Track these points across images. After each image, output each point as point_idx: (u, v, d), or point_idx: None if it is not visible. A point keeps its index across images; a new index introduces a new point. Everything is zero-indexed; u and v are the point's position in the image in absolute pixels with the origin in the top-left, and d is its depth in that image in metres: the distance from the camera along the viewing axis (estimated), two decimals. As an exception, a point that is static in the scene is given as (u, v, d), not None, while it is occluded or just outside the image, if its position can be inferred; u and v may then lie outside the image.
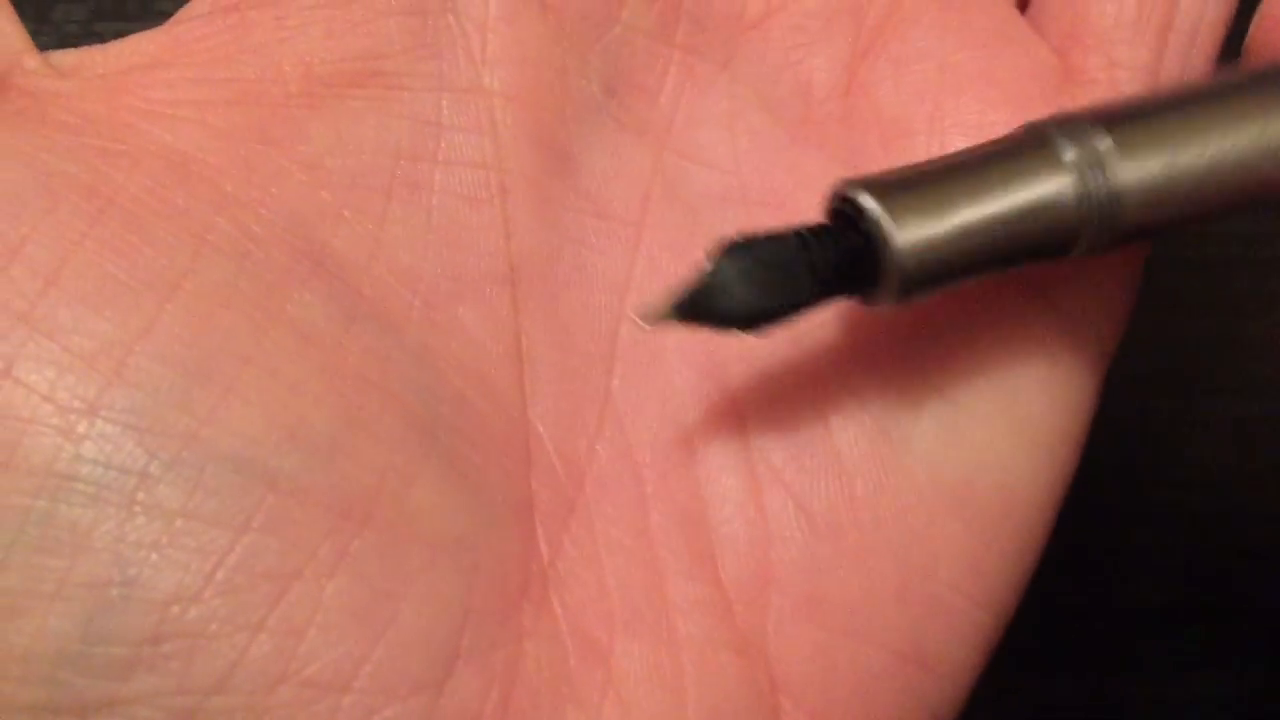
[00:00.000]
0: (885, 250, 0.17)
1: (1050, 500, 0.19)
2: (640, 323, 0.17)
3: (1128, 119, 0.17)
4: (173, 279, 0.15)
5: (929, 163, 0.18)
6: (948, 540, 0.18)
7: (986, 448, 0.19)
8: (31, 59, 0.17)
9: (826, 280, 0.17)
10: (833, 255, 0.17)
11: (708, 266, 0.17)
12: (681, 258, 0.19)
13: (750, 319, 0.17)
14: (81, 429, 0.14)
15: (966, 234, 0.17)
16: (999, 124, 0.19)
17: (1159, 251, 0.21)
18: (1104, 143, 0.17)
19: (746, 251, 0.17)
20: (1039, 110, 0.19)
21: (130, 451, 0.14)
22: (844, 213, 0.17)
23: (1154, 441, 0.30)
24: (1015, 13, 0.20)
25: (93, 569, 0.14)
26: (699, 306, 0.17)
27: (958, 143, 0.19)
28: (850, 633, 0.18)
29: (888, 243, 0.17)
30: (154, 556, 0.14)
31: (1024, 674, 0.28)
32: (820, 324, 0.19)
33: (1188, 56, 0.19)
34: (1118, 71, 0.19)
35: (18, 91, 0.16)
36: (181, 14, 0.18)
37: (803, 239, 0.17)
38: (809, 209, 0.19)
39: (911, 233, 0.17)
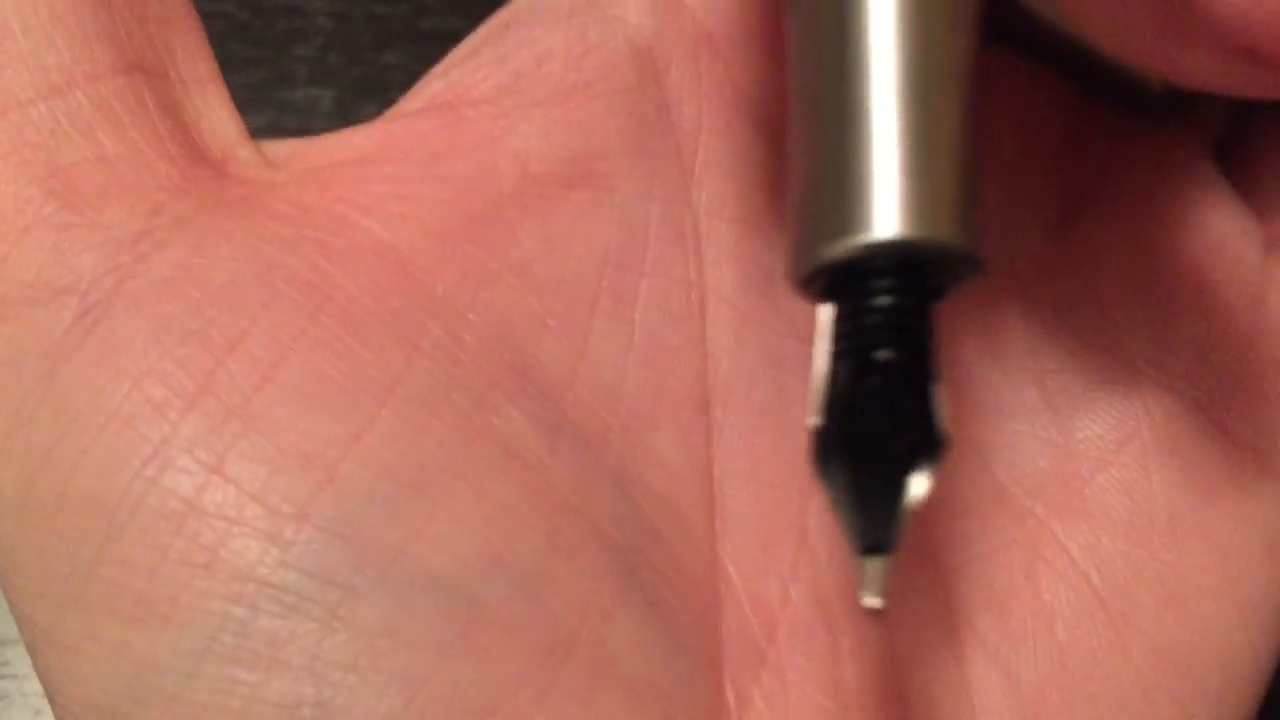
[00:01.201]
0: (939, 253, 0.14)
1: (1263, 676, 0.18)
2: (877, 605, 0.14)
3: None
4: (387, 384, 0.15)
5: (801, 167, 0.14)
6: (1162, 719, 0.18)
7: (1207, 621, 0.18)
8: (245, 149, 0.17)
9: (921, 349, 0.14)
10: (901, 327, 0.14)
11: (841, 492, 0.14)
12: None
13: (922, 450, 0.14)
14: (289, 534, 0.14)
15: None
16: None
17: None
18: None
19: (846, 445, 0.14)
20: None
21: (337, 562, 0.14)
22: (847, 280, 0.14)
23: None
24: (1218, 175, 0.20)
25: (286, 686, 0.14)
26: (889, 521, 0.14)
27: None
28: None
29: (941, 247, 0.13)
30: (351, 678, 0.14)
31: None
32: (1034, 485, 0.19)
33: None
34: None
35: (234, 180, 0.16)
36: (395, 109, 0.18)
37: (854, 364, 0.14)
38: None
39: (921, 219, 0.13)
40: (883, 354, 0.14)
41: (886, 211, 0.13)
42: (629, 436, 0.17)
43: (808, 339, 0.18)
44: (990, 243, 0.14)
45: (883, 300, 0.14)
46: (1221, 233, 0.19)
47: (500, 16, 0.19)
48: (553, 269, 0.17)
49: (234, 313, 0.15)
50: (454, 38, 0.35)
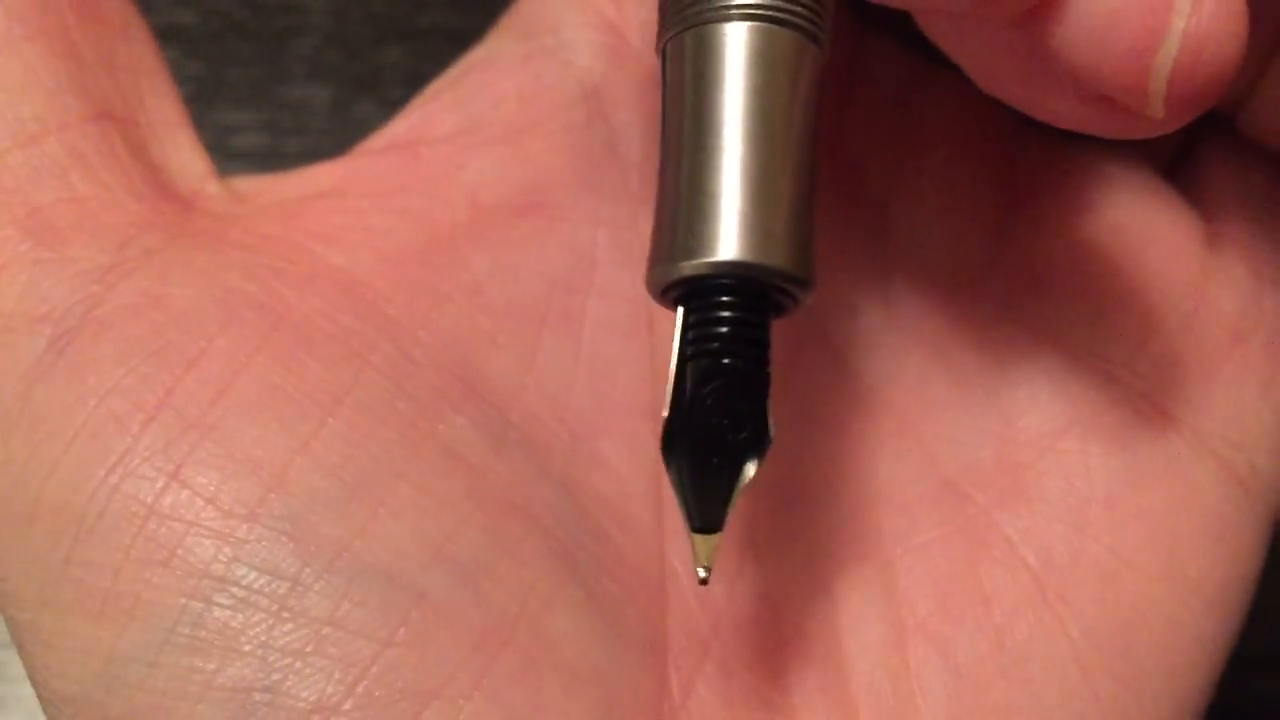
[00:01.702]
0: (759, 273, 0.16)
1: (1212, 659, 0.19)
2: (704, 576, 0.16)
3: None
4: (336, 395, 0.17)
5: (666, 200, 0.17)
6: (1102, 699, 0.18)
7: (1147, 601, 0.19)
8: (213, 185, 0.19)
9: (758, 358, 0.16)
10: (735, 335, 0.16)
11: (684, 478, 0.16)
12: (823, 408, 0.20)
13: (753, 444, 0.16)
14: (240, 533, 0.16)
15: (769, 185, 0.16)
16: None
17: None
18: None
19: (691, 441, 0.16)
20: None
21: (285, 558, 0.16)
22: (691, 293, 0.16)
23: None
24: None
25: (239, 672, 0.15)
26: (721, 504, 0.16)
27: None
28: None
29: (760, 265, 0.16)
30: (298, 664, 0.15)
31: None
32: (977, 474, 0.20)
33: None
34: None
35: (200, 213, 0.18)
36: (359, 149, 0.20)
37: (700, 368, 0.16)
38: None
39: (753, 245, 0.16)
40: (726, 360, 0.16)
41: (729, 238, 0.16)
42: (576, 443, 0.19)
43: None
44: (820, 271, 0.17)
45: (727, 313, 0.16)
46: (1158, 227, 0.20)
47: (460, 64, 0.21)
48: (503, 290, 0.19)
49: (193, 334, 0.17)
50: (452, 34, 0.35)
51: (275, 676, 0.15)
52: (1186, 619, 0.19)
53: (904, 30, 0.21)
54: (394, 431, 0.17)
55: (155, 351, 0.16)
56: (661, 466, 0.19)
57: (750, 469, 0.16)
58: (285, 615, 0.15)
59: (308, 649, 0.15)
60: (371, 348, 0.17)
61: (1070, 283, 0.20)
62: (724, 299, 0.16)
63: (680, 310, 0.16)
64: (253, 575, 0.16)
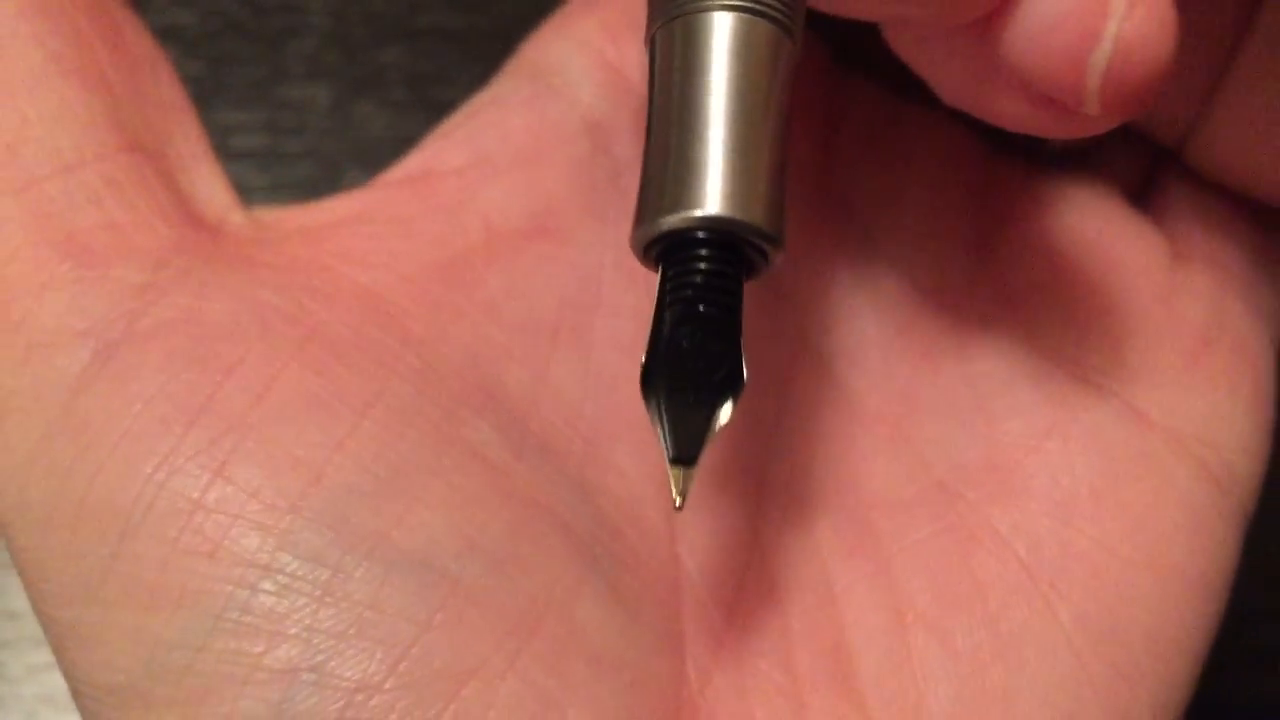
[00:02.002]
0: (736, 227, 0.17)
1: (1196, 645, 0.20)
2: (679, 504, 0.17)
3: None
4: (367, 399, 0.18)
5: (652, 160, 0.18)
6: (1094, 683, 0.19)
7: (1130, 589, 0.20)
8: (237, 214, 0.20)
9: (731, 307, 0.17)
10: (711, 286, 0.17)
11: (664, 412, 0.17)
12: (821, 409, 0.21)
13: (729, 384, 0.17)
14: (284, 525, 0.17)
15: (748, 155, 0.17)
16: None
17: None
18: None
19: (671, 384, 0.17)
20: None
21: (326, 547, 0.17)
22: (672, 249, 0.17)
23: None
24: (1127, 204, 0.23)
25: (286, 654, 0.16)
26: (697, 438, 0.17)
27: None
28: None
29: (736, 221, 0.17)
30: (342, 645, 0.16)
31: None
32: (967, 475, 0.21)
33: None
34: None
35: (228, 239, 0.19)
36: (375, 181, 0.21)
37: (677, 312, 0.17)
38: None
39: (730, 203, 0.17)
40: (702, 307, 0.17)
41: (711, 195, 0.17)
42: (590, 449, 0.20)
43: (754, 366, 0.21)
44: (793, 231, 0.18)
45: (704, 265, 0.17)
46: (1127, 246, 0.22)
47: (471, 104, 0.22)
48: (516, 308, 0.20)
49: (230, 344, 0.18)
50: (450, 35, 0.36)
51: (320, 657, 0.16)
52: (1170, 605, 0.20)
53: (881, 69, 0.23)
54: (422, 433, 0.18)
55: (196, 361, 0.17)
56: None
57: (726, 409, 0.17)
58: (328, 600, 0.16)
59: (350, 631, 0.16)
60: (397, 358, 0.19)
61: (1047, 298, 0.22)
62: (702, 252, 0.17)
63: (661, 267, 0.18)
64: (296, 563, 0.16)
